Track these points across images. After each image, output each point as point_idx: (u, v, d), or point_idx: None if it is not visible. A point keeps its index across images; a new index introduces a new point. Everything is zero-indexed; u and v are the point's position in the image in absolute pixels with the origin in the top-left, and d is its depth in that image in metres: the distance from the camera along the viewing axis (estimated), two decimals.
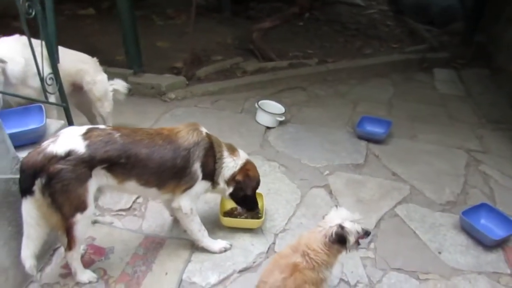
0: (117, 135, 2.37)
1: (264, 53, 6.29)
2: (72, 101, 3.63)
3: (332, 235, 2.18)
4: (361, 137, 4.47)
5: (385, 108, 5.31)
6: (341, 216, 2.25)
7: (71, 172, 2.19)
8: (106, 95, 3.83)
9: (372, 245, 3.01)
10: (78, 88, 3.70)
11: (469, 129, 4.87)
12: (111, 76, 4.00)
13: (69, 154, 2.19)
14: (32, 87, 3.20)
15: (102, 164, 2.30)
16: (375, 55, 6.77)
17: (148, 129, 2.66)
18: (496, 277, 2.81)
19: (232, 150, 2.88)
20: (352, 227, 2.20)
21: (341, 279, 2.71)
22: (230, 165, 2.81)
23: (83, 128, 2.35)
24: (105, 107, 3.86)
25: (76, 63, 3.62)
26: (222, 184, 2.83)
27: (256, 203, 3.05)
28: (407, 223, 3.26)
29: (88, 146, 2.25)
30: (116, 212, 3.19)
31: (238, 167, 2.84)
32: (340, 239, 2.19)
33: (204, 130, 2.73)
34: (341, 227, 2.19)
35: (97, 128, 2.39)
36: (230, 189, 2.87)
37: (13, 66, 3.08)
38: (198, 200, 2.81)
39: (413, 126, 4.86)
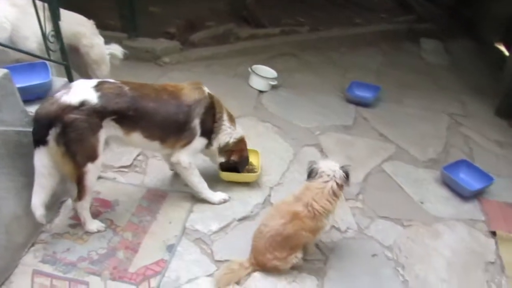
0: (126, 88, 2.47)
1: (256, 19, 6.35)
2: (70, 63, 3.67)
3: (344, 175, 2.41)
4: (350, 101, 4.66)
5: (373, 75, 5.50)
6: (330, 164, 2.46)
7: (85, 121, 2.27)
8: (103, 58, 3.85)
9: (360, 197, 3.25)
10: (74, 51, 3.72)
11: (452, 95, 5.13)
12: (105, 40, 4.04)
13: (82, 104, 2.27)
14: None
15: (112, 115, 2.40)
16: (365, 25, 6.89)
17: (154, 84, 2.76)
18: (472, 223, 3.09)
19: (231, 119, 3.01)
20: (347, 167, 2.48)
21: (333, 226, 2.92)
22: (227, 130, 2.94)
23: (94, 81, 2.44)
24: (102, 70, 3.89)
25: (73, 25, 3.59)
26: (215, 147, 2.97)
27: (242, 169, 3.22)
28: (393, 177, 3.51)
29: (100, 97, 2.34)
30: (118, 169, 3.30)
31: (233, 139, 2.98)
32: (347, 179, 2.43)
33: (206, 89, 2.85)
34: (344, 167, 2.44)
35: (108, 81, 2.48)
36: (222, 159, 3.06)
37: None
38: (196, 156, 2.95)
39: (399, 92, 5.08)
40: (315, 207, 2.36)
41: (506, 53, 6.15)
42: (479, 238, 2.96)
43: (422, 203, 3.25)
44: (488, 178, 3.41)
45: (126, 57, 4.44)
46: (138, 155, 3.45)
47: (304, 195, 2.42)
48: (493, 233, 2.99)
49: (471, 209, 3.24)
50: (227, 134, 2.95)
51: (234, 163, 3.07)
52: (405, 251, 2.78)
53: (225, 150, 3.01)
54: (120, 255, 2.54)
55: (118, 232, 2.71)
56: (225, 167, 3.15)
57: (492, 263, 2.77)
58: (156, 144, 2.71)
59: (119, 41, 4.63)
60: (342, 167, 2.44)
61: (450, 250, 2.83)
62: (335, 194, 2.39)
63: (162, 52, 5.12)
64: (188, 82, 2.84)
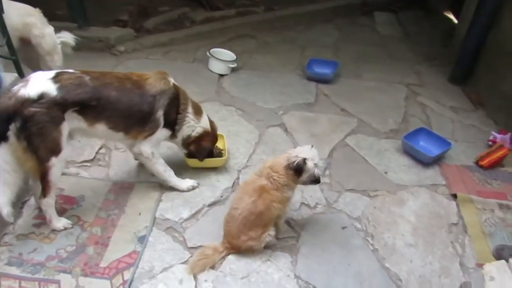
0: (87, 78, 2.38)
1: (211, 2, 6.24)
2: (20, 57, 3.52)
3: (294, 162, 2.38)
4: (310, 79, 4.70)
5: (331, 51, 5.56)
6: (310, 154, 2.43)
7: (45, 114, 2.20)
8: (55, 48, 3.72)
9: (327, 172, 3.30)
10: (26, 43, 3.58)
11: (407, 66, 5.28)
12: (55, 30, 3.88)
13: (41, 97, 2.19)
14: None
15: (74, 106, 2.32)
16: (320, 2, 6.90)
17: (117, 72, 2.68)
18: (434, 188, 3.22)
19: (197, 110, 2.96)
20: (311, 167, 2.41)
21: (302, 203, 2.98)
22: (190, 123, 2.90)
23: (52, 72, 2.34)
24: (55, 60, 3.76)
25: (23, 16, 3.47)
26: (179, 139, 2.94)
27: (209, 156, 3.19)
28: (357, 150, 3.59)
29: (59, 88, 2.25)
30: (80, 164, 3.21)
31: (195, 132, 2.95)
32: (297, 169, 2.39)
33: (172, 80, 2.79)
34: (305, 161, 2.39)
35: (66, 72, 2.39)
36: (185, 151, 3.06)
37: None
38: (160, 145, 2.91)
39: (358, 66, 5.16)
40: (275, 178, 2.40)
41: (455, 21, 6.35)
42: (442, 202, 3.09)
43: (386, 173, 3.35)
44: (446, 144, 3.54)
45: (79, 48, 4.29)
46: (100, 148, 3.37)
47: (264, 169, 2.47)
48: (454, 196, 3.13)
49: (432, 174, 3.37)
50: (190, 127, 2.92)
51: (194, 152, 3.04)
52: (373, 221, 2.87)
53: (187, 142, 2.98)
54: (90, 251, 2.49)
55: (86, 228, 2.66)
56: (191, 154, 3.14)
57: (455, 224, 2.90)
58: (120, 135, 2.65)
59: (68, 31, 4.46)
60: (303, 160, 2.40)
61: (415, 216, 2.94)
62: (297, 169, 2.40)
63: (116, 41, 4.97)
64: (153, 72, 2.76)
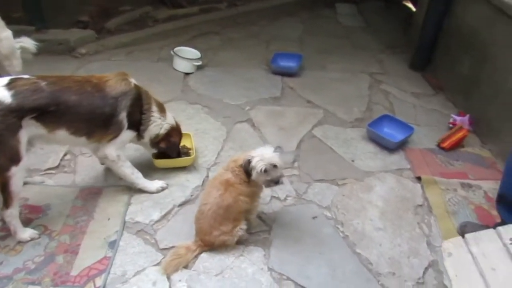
0: (43, 83, 2.32)
1: (173, 0, 6.19)
2: None
3: (242, 164, 2.40)
4: (276, 73, 4.74)
5: (296, 45, 5.62)
6: (263, 154, 2.37)
7: (1, 123, 2.14)
8: (14, 53, 3.59)
9: (296, 164, 3.34)
10: None
11: (370, 55, 5.39)
12: (17, 35, 3.77)
13: None
14: None
15: (32, 113, 2.26)
16: None
17: (76, 76, 2.63)
18: (400, 173, 3.31)
19: (161, 108, 2.94)
20: (258, 164, 2.33)
21: (272, 196, 3.00)
22: (157, 121, 2.88)
23: (5, 79, 2.27)
24: (14, 65, 3.63)
25: None
26: (146, 140, 2.92)
27: (178, 155, 3.19)
28: (324, 141, 3.64)
29: (14, 95, 2.19)
30: (45, 172, 3.14)
31: (163, 129, 2.93)
32: (245, 169, 2.39)
33: (133, 80, 2.75)
34: (248, 161, 2.36)
35: (21, 78, 2.32)
36: (154, 150, 3.04)
37: None
38: (125, 148, 2.87)
39: (322, 58, 5.23)
40: (237, 173, 2.41)
41: (413, 9, 6.51)
42: (407, 185, 3.18)
43: (353, 161, 3.41)
44: (409, 129, 3.64)
45: (38, 52, 4.17)
46: (65, 155, 3.31)
47: (230, 163, 2.49)
48: (419, 178, 3.22)
49: (397, 159, 3.46)
50: (157, 126, 2.90)
51: (164, 149, 3.03)
52: (342, 209, 2.93)
53: (156, 141, 2.96)
54: (60, 260, 2.44)
55: (54, 237, 2.60)
56: (159, 154, 3.12)
57: (421, 205, 2.99)
58: (83, 139, 2.60)
59: (27, 35, 4.33)
60: (246, 160, 2.38)
61: (383, 200, 3.02)
62: (245, 168, 2.38)
63: (76, 43, 4.86)
64: (113, 73, 2.72)
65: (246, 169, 2.38)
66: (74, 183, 3.07)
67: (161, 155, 3.12)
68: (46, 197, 2.89)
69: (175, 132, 3.04)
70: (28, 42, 3.78)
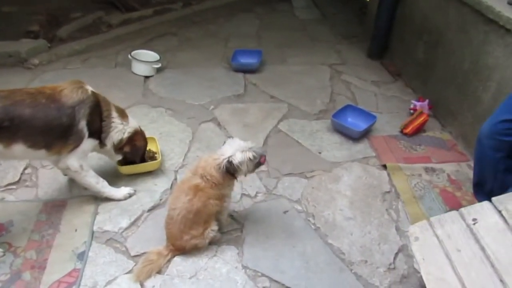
0: None
1: (125, 3, 6.04)
2: None
3: (223, 167, 2.34)
4: (237, 70, 4.72)
5: (254, 40, 5.62)
6: (234, 147, 2.37)
7: None
8: None
9: None
10: None
11: (328, 47, 5.47)
12: None
13: None
14: None
15: None
16: None
17: (28, 88, 2.52)
18: (366, 161, 3.37)
19: (122, 114, 2.88)
20: (242, 157, 2.33)
21: (243, 194, 3.00)
22: (118, 127, 2.81)
23: None
24: None
25: None
26: (109, 146, 2.84)
27: (143, 160, 3.14)
28: (290, 135, 3.66)
29: None
30: (5, 188, 3.01)
31: (126, 134, 2.86)
32: (229, 171, 2.36)
33: (89, 88, 2.67)
34: (229, 162, 2.33)
35: None
36: (119, 157, 2.96)
37: None
38: (88, 157, 2.79)
39: (281, 52, 5.26)
40: (208, 178, 2.37)
41: None
42: (374, 173, 3.24)
43: (320, 153, 3.45)
44: (371, 117, 3.71)
45: None
46: (25, 169, 3.18)
47: (198, 168, 2.42)
48: (384, 166, 3.29)
49: (362, 148, 3.52)
50: (119, 131, 2.82)
51: (128, 153, 2.96)
52: (312, 201, 2.96)
53: (119, 147, 2.89)
54: (27, 277, 2.35)
55: (19, 254, 2.50)
56: (124, 161, 3.05)
57: (388, 192, 3.06)
58: (42, 152, 2.51)
59: None
60: (227, 161, 2.34)
61: (351, 190, 3.06)
62: (228, 171, 2.35)
63: (28, 54, 4.66)
64: (68, 82, 2.62)
65: (230, 169, 2.34)
66: (37, 197, 2.96)
67: (126, 162, 3.05)
68: (8, 214, 2.78)
69: (138, 136, 2.98)
70: None
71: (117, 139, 2.84)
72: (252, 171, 2.46)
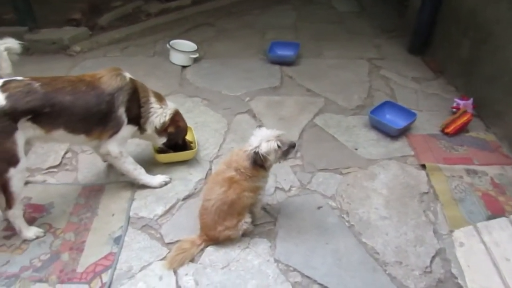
0: (36, 85, 2.30)
1: None
2: None
3: (251, 159, 2.34)
4: (273, 62, 4.69)
5: (291, 32, 5.57)
6: (261, 137, 2.35)
7: None
8: (1, 55, 3.56)
9: (298, 154, 3.31)
10: None
11: (367, 41, 5.35)
12: (2, 37, 3.71)
13: None
14: None
15: (26, 115, 2.25)
16: None
17: (69, 76, 2.59)
18: (403, 160, 3.28)
19: (160, 98, 2.92)
20: (268, 146, 2.31)
21: (276, 187, 2.98)
22: (158, 112, 2.85)
23: None
24: (4, 68, 3.57)
25: None
26: (150, 131, 2.88)
27: (186, 146, 3.17)
28: (326, 130, 3.61)
29: (8, 98, 2.17)
30: (46, 171, 3.12)
31: (168, 116, 2.90)
32: (257, 162, 2.34)
33: (127, 74, 2.72)
34: (255, 153, 2.32)
35: (14, 80, 2.29)
36: (163, 139, 2.99)
37: None
38: (127, 143, 2.85)
39: (318, 45, 5.19)
40: (242, 171, 2.37)
41: None
42: (411, 172, 3.15)
43: (356, 149, 3.38)
44: (411, 114, 3.60)
45: (31, 53, 4.11)
46: (66, 153, 3.29)
47: (232, 161, 2.43)
48: (423, 166, 3.19)
49: (400, 146, 3.43)
50: (160, 115, 2.87)
51: (172, 134, 2.98)
52: (346, 198, 2.91)
53: (163, 129, 2.93)
54: (65, 257, 2.44)
55: (59, 235, 2.60)
56: (167, 144, 3.07)
57: (426, 193, 2.96)
58: (82, 137, 2.59)
59: (19, 36, 4.27)
60: (253, 153, 2.33)
61: (387, 188, 2.99)
62: (255, 162, 2.34)
63: (70, 41, 4.80)
64: (106, 69, 2.68)
65: (258, 160, 2.33)
66: (77, 180, 3.06)
67: (168, 146, 3.09)
68: (49, 196, 2.89)
69: (180, 116, 3.03)
70: (12, 43, 3.69)
71: (159, 122, 2.88)
72: (283, 159, 2.43)
